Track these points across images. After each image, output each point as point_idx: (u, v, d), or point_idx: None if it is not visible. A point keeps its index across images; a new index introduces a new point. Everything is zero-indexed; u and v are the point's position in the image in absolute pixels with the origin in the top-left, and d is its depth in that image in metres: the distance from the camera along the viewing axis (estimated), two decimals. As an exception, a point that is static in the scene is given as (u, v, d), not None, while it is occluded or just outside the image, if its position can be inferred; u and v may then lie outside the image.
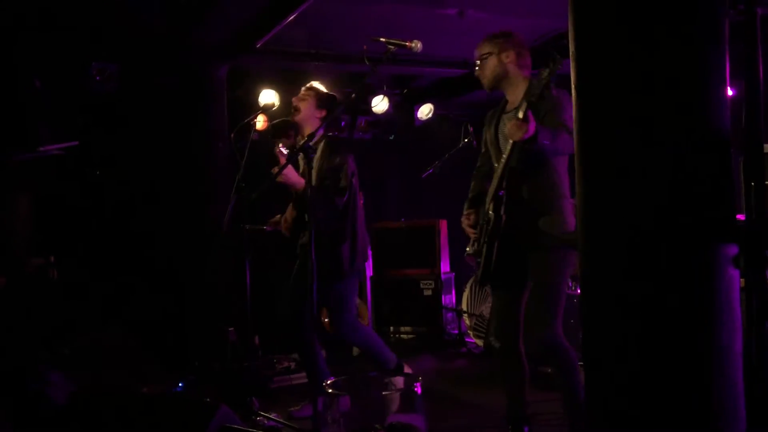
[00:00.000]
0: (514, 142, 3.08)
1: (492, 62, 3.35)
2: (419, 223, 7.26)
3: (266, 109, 4.67)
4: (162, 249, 5.75)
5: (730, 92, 2.13)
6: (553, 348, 3.19)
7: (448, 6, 5.24)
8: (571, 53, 2.26)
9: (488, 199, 3.34)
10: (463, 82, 7.17)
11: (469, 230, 3.52)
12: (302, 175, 4.02)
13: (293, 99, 4.31)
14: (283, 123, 4.39)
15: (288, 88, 6.55)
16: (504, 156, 3.20)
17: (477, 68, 3.42)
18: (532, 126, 2.96)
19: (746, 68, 1.96)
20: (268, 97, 6.26)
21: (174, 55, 5.72)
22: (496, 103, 3.55)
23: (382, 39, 3.32)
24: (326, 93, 4.31)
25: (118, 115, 6.00)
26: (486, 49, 3.36)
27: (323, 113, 4.23)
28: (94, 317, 5.56)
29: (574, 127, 2.28)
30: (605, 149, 2.18)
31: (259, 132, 5.17)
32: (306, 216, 4.01)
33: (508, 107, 3.40)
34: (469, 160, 6.48)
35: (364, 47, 3.33)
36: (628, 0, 2.08)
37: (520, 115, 2.99)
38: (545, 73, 2.96)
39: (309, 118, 4.22)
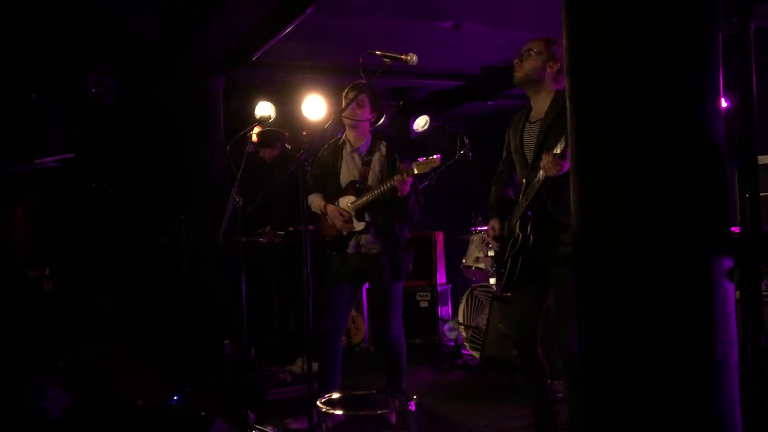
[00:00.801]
0: (547, 176, 3.14)
1: (535, 62, 3.30)
2: (415, 234, 7.23)
3: (262, 121, 4.65)
4: (159, 261, 5.74)
5: (724, 104, 2.14)
6: (570, 356, 3.20)
7: (444, 19, 5.26)
8: (566, 66, 2.27)
9: (515, 216, 3.40)
10: (459, 94, 7.19)
11: (494, 242, 3.55)
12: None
13: (351, 101, 3.89)
14: (271, 133, 4.32)
15: (284, 100, 6.58)
16: (535, 182, 3.24)
17: (517, 59, 3.37)
18: (567, 165, 3.00)
19: (740, 80, 1.97)
20: (264, 109, 6.27)
21: (171, 67, 5.74)
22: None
23: (377, 52, 3.32)
24: (378, 93, 4.12)
25: (115, 127, 6.00)
26: (537, 47, 3.30)
27: (374, 116, 4.14)
28: (91, 330, 5.53)
29: (570, 142, 2.28)
30: (600, 163, 2.18)
31: (255, 144, 5.15)
32: (381, 220, 4.01)
33: (532, 116, 3.42)
34: (465, 172, 6.53)
35: (360, 60, 3.33)
36: (623, 14, 2.09)
37: (558, 150, 3.05)
38: None
39: (362, 122, 4.07)
